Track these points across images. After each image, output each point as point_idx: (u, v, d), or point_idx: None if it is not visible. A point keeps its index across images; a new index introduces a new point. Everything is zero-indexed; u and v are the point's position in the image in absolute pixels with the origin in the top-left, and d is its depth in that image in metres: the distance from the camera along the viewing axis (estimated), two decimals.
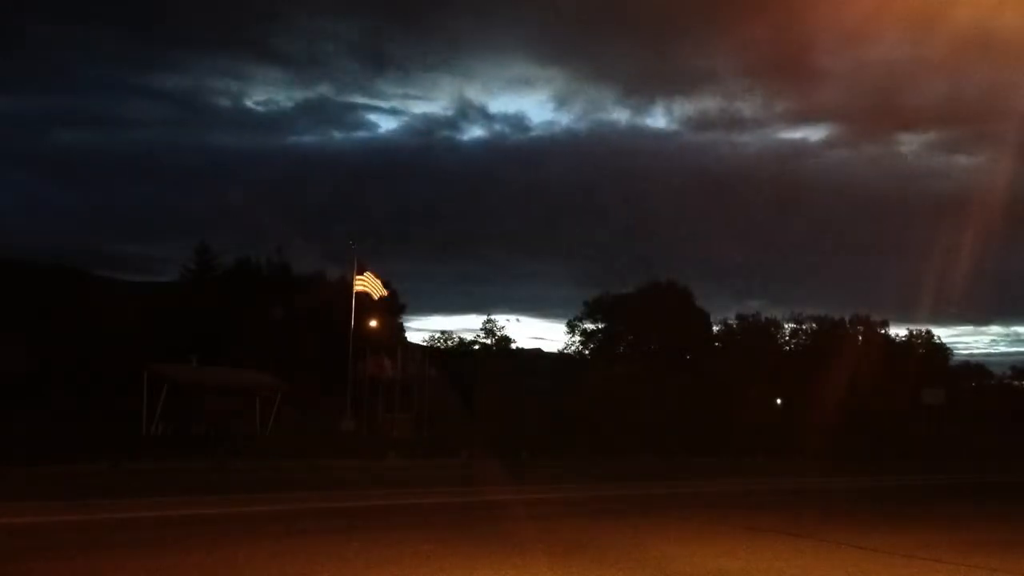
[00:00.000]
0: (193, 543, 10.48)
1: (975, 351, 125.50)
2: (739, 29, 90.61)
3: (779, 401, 54.95)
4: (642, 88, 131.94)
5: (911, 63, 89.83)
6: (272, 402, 36.13)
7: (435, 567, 9.23)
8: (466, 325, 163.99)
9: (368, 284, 38.90)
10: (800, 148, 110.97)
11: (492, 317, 59.59)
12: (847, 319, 67.48)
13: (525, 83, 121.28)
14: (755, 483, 24.37)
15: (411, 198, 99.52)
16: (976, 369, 75.87)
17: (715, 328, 66.57)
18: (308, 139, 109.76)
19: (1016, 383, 73.26)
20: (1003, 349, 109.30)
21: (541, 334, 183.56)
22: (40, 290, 42.36)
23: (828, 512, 17.21)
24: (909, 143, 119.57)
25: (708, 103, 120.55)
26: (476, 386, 44.64)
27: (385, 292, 41.22)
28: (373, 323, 42.93)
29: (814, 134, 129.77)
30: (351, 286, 38.94)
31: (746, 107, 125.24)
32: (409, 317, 60.31)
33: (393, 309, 51.90)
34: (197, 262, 49.79)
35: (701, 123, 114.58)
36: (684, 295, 64.04)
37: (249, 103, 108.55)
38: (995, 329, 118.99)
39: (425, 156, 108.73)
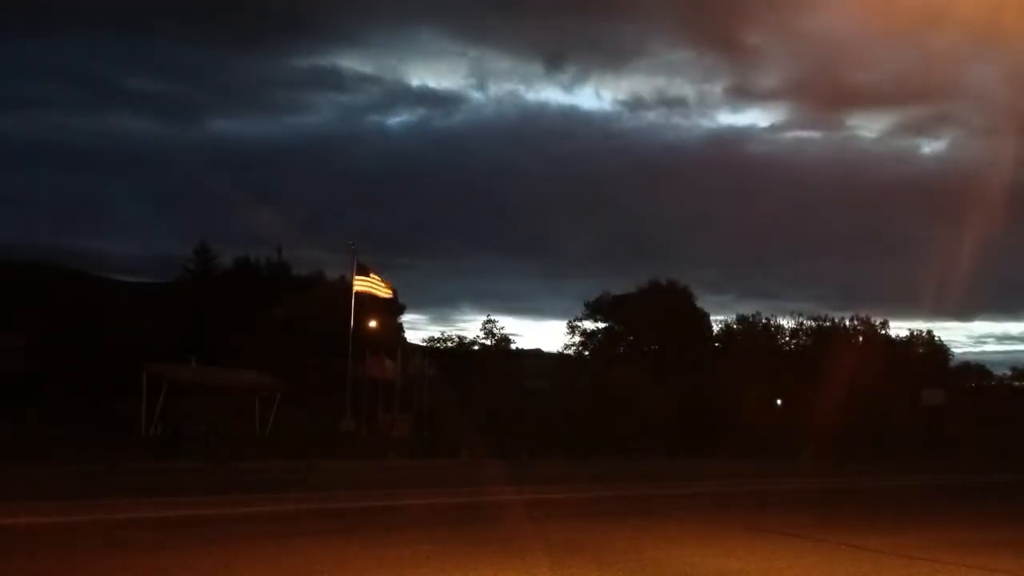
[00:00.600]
0: (192, 543, 10.48)
1: (965, 349, 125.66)
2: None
3: (779, 401, 54.94)
4: (573, 64, 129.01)
5: (862, 39, 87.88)
6: (272, 402, 36.13)
7: (435, 567, 9.22)
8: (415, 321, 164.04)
9: (372, 285, 38.88)
10: (747, 133, 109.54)
11: (492, 317, 59.61)
12: (847, 319, 67.56)
13: (446, 59, 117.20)
14: (755, 483, 24.35)
15: (332, 185, 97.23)
16: (977, 369, 75.87)
17: (715, 328, 66.70)
18: (225, 120, 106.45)
19: (1016, 383, 73.19)
20: (993, 348, 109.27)
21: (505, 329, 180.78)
22: (40, 290, 42.40)
23: (828, 512, 17.20)
24: (867, 127, 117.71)
25: (644, 83, 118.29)
26: (476, 386, 44.62)
27: (390, 293, 41.19)
28: (373, 323, 42.92)
29: (762, 118, 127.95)
30: (351, 286, 38.93)
31: (687, 85, 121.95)
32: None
33: (393, 309, 51.88)
34: (196, 262, 49.82)
35: (636, 104, 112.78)
36: (684, 295, 64.13)
37: (157, 83, 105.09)
38: (980, 325, 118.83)
39: (349, 139, 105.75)
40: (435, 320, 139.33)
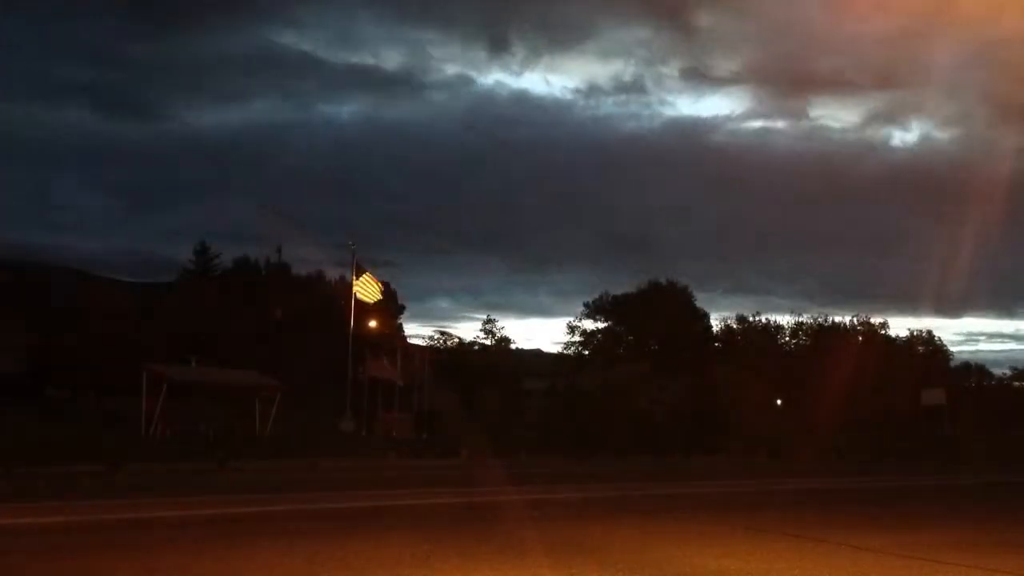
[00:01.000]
0: (192, 543, 10.47)
1: (958, 349, 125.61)
2: None
3: (779, 401, 54.96)
4: (521, 46, 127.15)
5: (828, 23, 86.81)
6: (272, 402, 36.10)
7: (435, 567, 9.21)
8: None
9: (364, 289, 38.71)
10: (710, 122, 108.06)
11: (492, 317, 59.67)
12: (847, 319, 67.72)
13: (388, 43, 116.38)
14: (755, 484, 24.34)
15: (278, 175, 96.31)
16: (978, 369, 75.99)
17: (715, 328, 66.81)
18: (178, 108, 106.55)
19: (1016, 383, 73.27)
20: (986, 346, 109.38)
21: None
22: (40, 290, 42.41)
23: (828, 512, 17.18)
24: (834, 116, 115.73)
25: (599, 67, 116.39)
26: (476, 386, 44.63)
27: (380, 296, 40.97)
28: (373, 323, 42.91)
29: (722, 105, 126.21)
30: (351, 286, 38.90)
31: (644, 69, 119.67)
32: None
33: (393, 310, 51.91)
34: (196, 262, 49.89)
35: (589, 91, 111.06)
36: (684, 295, 64.29)
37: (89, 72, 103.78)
38: (969, 322, 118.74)
39: (295, 129, 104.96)
40: (413, 316, 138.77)
